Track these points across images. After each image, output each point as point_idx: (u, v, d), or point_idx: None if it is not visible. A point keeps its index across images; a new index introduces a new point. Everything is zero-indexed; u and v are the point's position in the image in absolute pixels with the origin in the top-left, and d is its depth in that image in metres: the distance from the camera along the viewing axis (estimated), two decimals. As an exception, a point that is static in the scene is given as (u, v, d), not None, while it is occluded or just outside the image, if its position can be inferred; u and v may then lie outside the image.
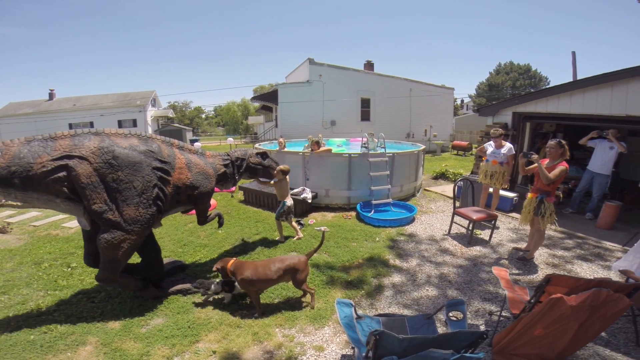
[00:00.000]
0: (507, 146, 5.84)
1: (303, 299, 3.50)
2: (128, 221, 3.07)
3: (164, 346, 2.83)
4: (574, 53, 8.77)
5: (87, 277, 3.98)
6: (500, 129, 5.98)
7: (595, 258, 4.58)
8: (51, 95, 27.52)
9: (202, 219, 3.98)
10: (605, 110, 5.79)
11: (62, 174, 2.87)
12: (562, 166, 3.96)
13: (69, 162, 2.88)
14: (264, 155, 4.70)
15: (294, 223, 5.18)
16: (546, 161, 4.15)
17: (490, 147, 5.98)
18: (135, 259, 4.11)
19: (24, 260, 4.60)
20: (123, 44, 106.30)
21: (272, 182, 4.94)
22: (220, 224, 4.21)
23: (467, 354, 1.63)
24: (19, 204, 7.43)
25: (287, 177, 4.99)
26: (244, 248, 4.81)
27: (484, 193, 6.04)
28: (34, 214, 6.89)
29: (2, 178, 2.74)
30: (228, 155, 4.25)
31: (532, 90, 19.22)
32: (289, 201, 5.04)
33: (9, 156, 2.75)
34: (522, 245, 4.87)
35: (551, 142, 4.13)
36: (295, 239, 5.06)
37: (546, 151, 4.25)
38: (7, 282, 3.97)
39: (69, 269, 4.26)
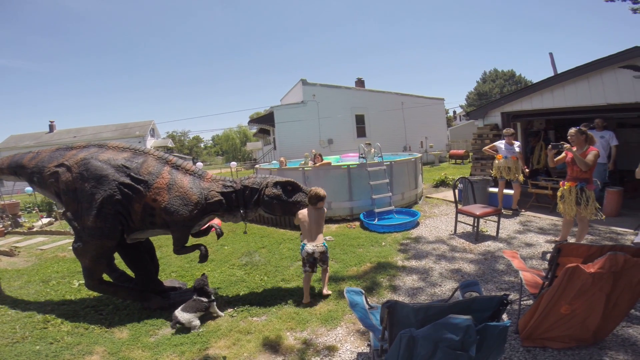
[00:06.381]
0: (517, 143, 6.23)
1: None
2: (87, 231, 3.17)
3: (173, 354, 2.77)
4: (551, 54, 9.20)
5: (95, 292, 3.91)
6: (512, 129, 6.40)
7: (610, 242, 4.55)
8: (51, 127, 27.84)
9: (176, 248, 3.40)
10: (587, 101, 5.95)
11: (53, 179, 3.34)
12: (594, 151, 3.96)
13: (59, 170, 3.29)
14: (287, 185, 3.53)
15: (326, 281, 3.59)
16: (573, 149, 4.11)
17: (502, 145, 6.22)
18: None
19: (32, 279, 4.62)
20: (119, 72, 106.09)
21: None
22: (203, 259, 3.43)
23: (492, 323, 1.58)
24: (25, 230, 7.49)
25: (322, 205, 3.50)
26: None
27: (500, 189, 6.31)
28: (40, 239, 6.94)
29: (28, 175, 3.54)
30: (234, 182, 3.51)
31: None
32: (310, 246, 3.39)
33: (38, 160, 3.51)
34: (538, 238, 4.85)
35: (571, 131, 4.12)
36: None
37: (569, 141, 4.21)
38: (15, 297, 4.00)
39: (77, 285, 4.25)
